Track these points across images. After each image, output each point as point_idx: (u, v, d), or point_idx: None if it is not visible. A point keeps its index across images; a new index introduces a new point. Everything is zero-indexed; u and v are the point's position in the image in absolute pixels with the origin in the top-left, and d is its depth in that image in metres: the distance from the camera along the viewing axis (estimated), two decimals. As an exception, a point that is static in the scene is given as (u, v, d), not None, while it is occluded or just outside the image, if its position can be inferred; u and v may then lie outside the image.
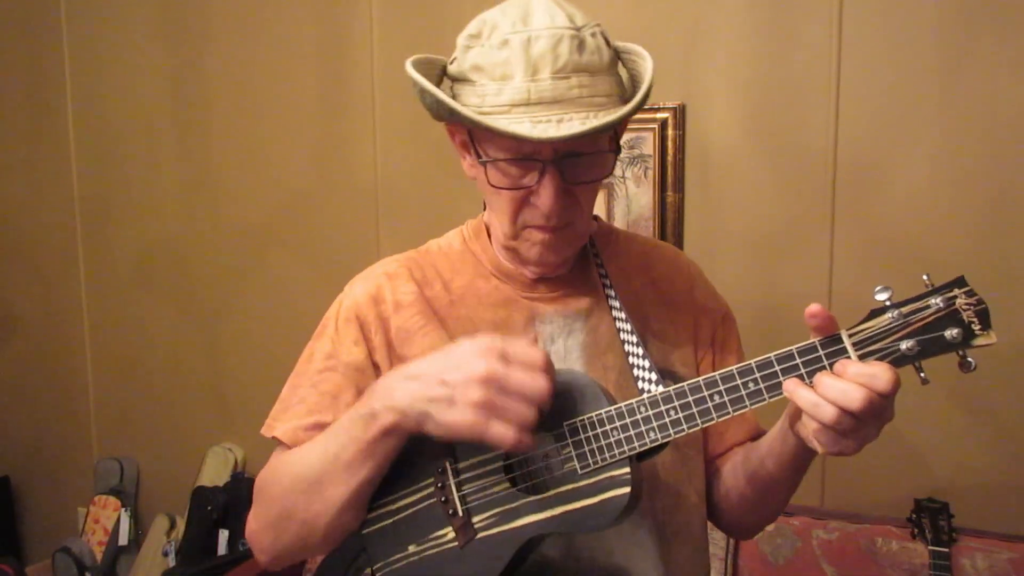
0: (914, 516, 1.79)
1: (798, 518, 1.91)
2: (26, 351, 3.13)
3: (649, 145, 2.11)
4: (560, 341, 1.08)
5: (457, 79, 1.00)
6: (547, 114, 0.93)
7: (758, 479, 1.06)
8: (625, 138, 2.14)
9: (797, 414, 0.90)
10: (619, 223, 2.15)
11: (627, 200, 2.15)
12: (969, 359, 0.82)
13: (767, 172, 2.04)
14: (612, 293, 1.09)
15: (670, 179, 2.11)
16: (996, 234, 1.85)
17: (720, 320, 1.19)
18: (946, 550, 1.73)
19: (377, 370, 1.08)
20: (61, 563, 2.85)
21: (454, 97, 0.99)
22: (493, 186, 0.99)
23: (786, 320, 2.02)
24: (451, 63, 1.01)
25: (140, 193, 2.86)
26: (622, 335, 1.07)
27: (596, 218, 1.15)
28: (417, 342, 1.08)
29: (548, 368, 0.88)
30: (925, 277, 0.84)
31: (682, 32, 2.08)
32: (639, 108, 0.99)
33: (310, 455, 1.00)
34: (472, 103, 0.96)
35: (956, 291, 0.82)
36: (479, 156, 1.00)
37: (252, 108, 2.65)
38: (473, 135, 1.01)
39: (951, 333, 0.81)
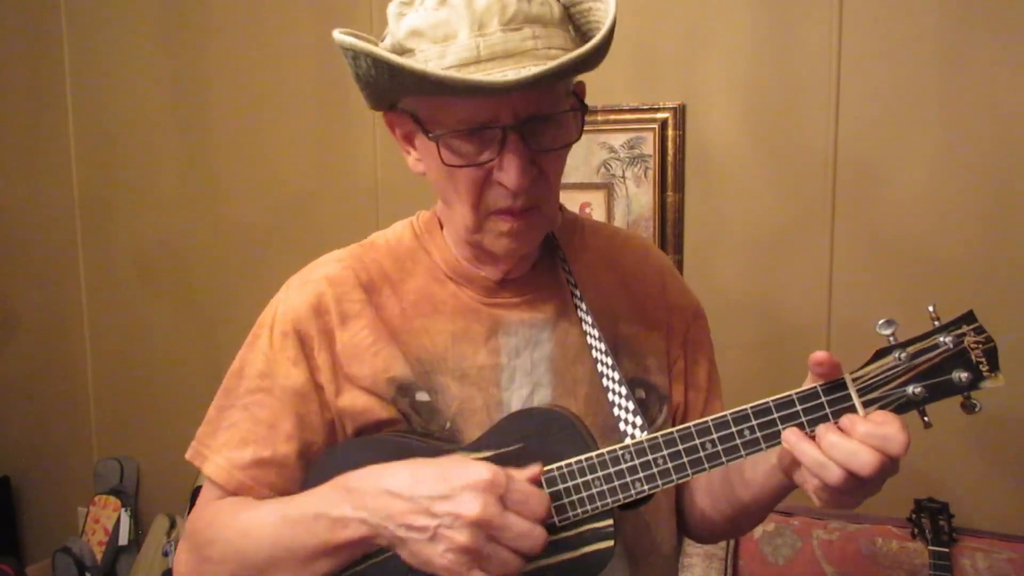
0: (914, 516, 1.80)
1: (798, 518, 1.91)
2: (26, 351, 3.13)
3: (649, 145, 2.11)
4: (526, 354, 0.97)
5: (393, 52, 0.87)
6: (499, 69, 0.81)
7: (736, 504, 1.01)
8: (625, 138, 2.16)
9: (795, 462, 0.83)
10: (619, 223, 2.15)
11: (627, 200, 2.15)
12: (974, 401, 0.78)
13: (767, 172, 2.04)
14: (580, 300, 0.99)
15: (670, 179, 2.11)
16: (996, 234, 1.85)
17: (692, 318, 1.10)
18: (946, 550, 1.72)
19: (320, 392, 0.96)
20: (61, 563, 2.85)
21: (390, 78, 0.85)
22: (448, 166, 0.87)
23: (786, 320, 2.02)
24: (382, 40, 0.91)
25: (140, 193, 2.86)
26: (591, 343, 0.98)
27: (560, 207, 1.05)
28: (367, 361, 0.95)
29: (548, 518, 0.80)
30: (931, 308, 0.79)
31: (682, 32, 2.08)
32: (608, 42, 0.86)
33: (260, 534, 0.88)
34: None
35: (965, 328, 0.78)
36: (426, 131, 0.87)
37: (252, 108, 2.64)
38: (419, 115, 0.89)
39: (959, 376, 0.77)
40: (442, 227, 1.02)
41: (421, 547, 0.78)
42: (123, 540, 2.87)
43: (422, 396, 0.95)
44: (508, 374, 0.96)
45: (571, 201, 2.17)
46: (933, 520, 1.77)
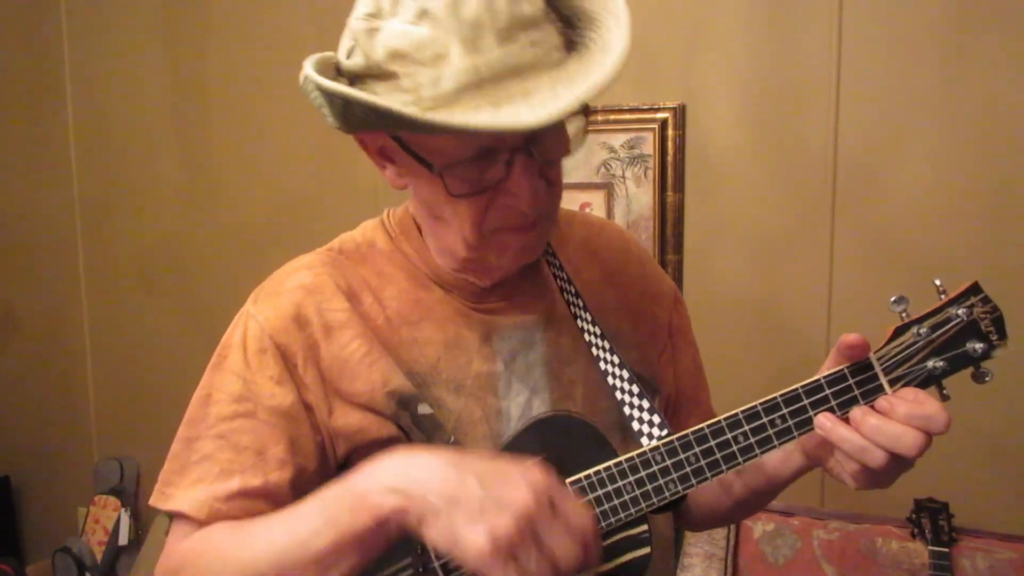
0: (914, 516, 1.80)
1: (798, 518, 1.91)
2: (26, 351, 3.13)
3: (649, 145, 2.11)
4: (520, 358, 0.91)
5: (368, 75, 0.78)
6: (506, 91, 0.73)
7: (749, 486, 0.98)
8: (625, 138, 2.16)
9: (823, 447, 0.82)
10: (619, 223, 2.15)
11: (627, 200, 2.15)
12: (984, 370, 0.80)
13: (767, 172, 2.04)
14: (575, 296, 0.94)
15: (670, 179, 2.11)
16: (996, 234, 1.85)
17: (673, 305, 1.06)
18: (946, 550, 1.73)
19: (310, 412, 0.86)
20: (61, 563, 2.85)
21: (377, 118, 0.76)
22: (454, 195, 0.80)
23: (786, 320, 2.02)
24: (347, 56, 0.80)
25: (140, 193, 2.86)
26: (589, 340, 0.93)
27: None
28: (362, 375, 0.86)
29: (591, 537, 0.72)
30: (938, 282, 0.81)
31: (682, 32, 2.08)
32: (627, 52, 0.78)
33: (263, 543, 0.76)
34: (402, 100, 0.74)
35: (973, 299, 0.80)
36: (427, 164, 0.79)
37: (252, 108, 2.64)
38: (410, 144, 0.81)
39: (973, 347, 0.79)
40: (419, 228, 0.95)
41: (457, 523, 0.68)
42: (123, 540, 2.87)
43: (424, 409, 0.87)
44: (505, 381, 0.90)
45: (571, 201, 2.17)
46: (933, 520, 1.77)
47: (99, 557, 2.86)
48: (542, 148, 0.80)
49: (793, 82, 1.99)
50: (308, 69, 0.76)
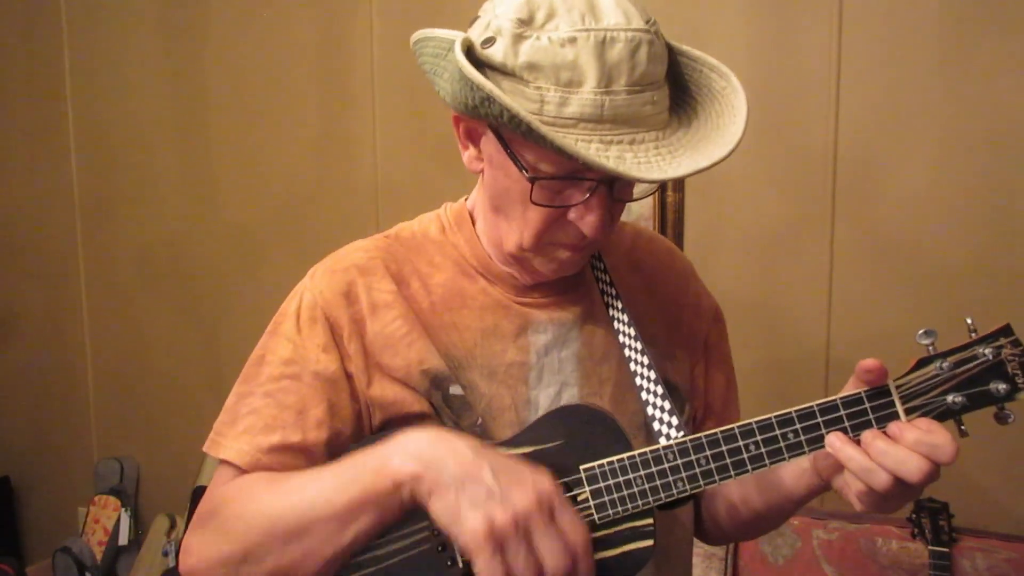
0: (914, 516, 1.79)
1: (798, 518, 1.91)
2: (26, 351, 3.13)
3: (649, 145, 2.11)
4: (554, 352, 0.97)
5: (499, 70, 0.82)
6: (616, 133, 0.81)
7: (765, 502, 1.00)
8: (625, 138, 2.15)
9: (834, 466, 0.85)
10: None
11: (627, 200, 2.15)
12: (1007, 412, 0.79)
13: (767, 172, 2.04)
14: (615, 298, 0.99)
15: (670, 179, 2.10)
16: (996, 233, 1.85)
17: (712, 322, 1.11)
18: (946, 550, 1.72)
19: (350, 381, 0.94)
20: (61, 563, 2.85)
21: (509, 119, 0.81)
22: (534, 203, 0.86)
23: (786, 320, 2.02)
24: (485, 45, 0.83)
25: (140, 193, 2.86)
26: (624, 341, 0.97)
27: None
28: (401, 352, 0.94)
29: (582, 553, 0.78)
30: (969, 321, 0.81)
31: (682, 32, 2.07)
32: (736, 145, 0.86)
33: (291, 494, 0.84)
34: (524, 106, 0.80)
35: (1003, 340, 0.79)
36: (522, 168, 0.84)
37: (252, 107, 2.65)
38: (512, 146, 0.85)
39: (997, 387, 0.79)
40: (473, 221, 1.00)
41: (462, 502, 0.76)
42: (123, 540, 2.87)
43: (455, 390, 0.94)
44: (536, 372, 0.96)
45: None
46: (933, 520, 1.77)
47: (99, 557, 2.87)
48: (620, 186, 0.87)
49: (793, 82, 1.99)
50: (458, 52, 0.80)
